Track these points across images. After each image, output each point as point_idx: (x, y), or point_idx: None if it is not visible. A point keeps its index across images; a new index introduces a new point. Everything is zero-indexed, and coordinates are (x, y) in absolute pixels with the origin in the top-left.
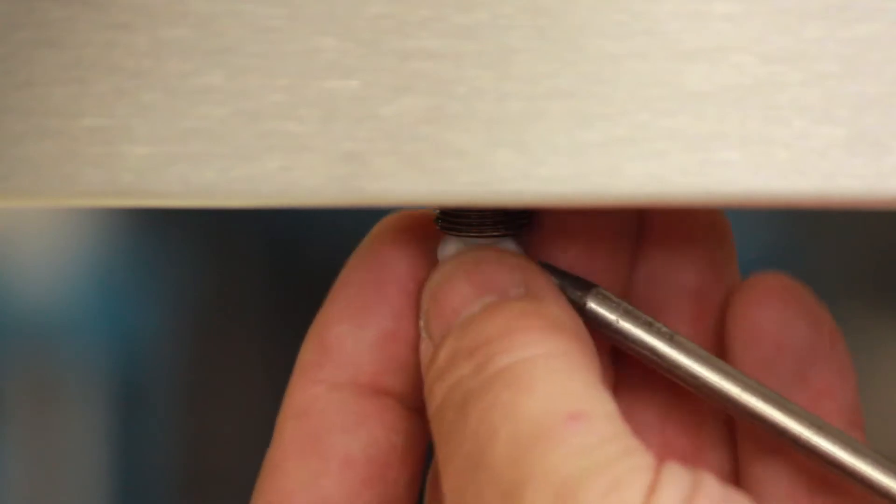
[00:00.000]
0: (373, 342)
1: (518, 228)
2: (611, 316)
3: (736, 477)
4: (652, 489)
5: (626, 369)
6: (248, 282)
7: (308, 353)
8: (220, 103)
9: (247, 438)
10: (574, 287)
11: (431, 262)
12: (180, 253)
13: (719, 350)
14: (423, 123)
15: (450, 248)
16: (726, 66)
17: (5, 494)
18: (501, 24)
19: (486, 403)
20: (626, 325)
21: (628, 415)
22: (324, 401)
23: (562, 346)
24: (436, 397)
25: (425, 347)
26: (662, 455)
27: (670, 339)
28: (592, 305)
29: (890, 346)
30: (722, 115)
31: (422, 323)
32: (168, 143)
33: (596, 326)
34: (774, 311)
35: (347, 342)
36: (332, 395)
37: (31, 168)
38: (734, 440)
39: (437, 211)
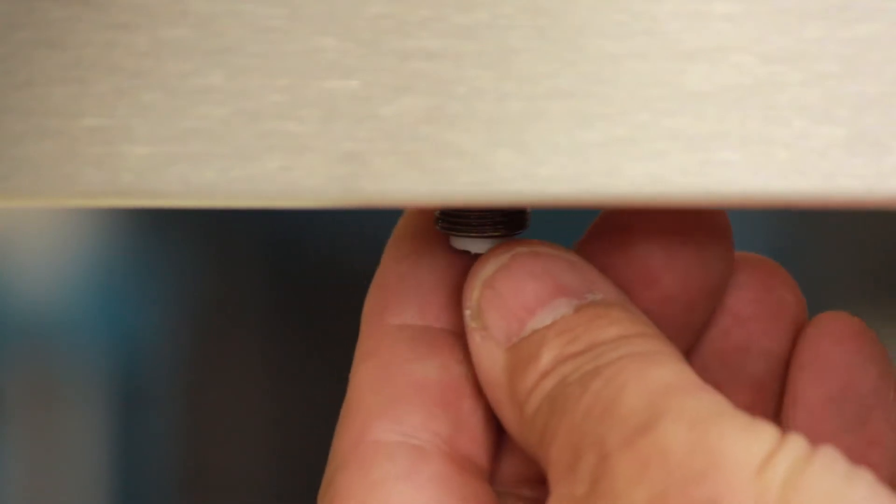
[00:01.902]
0: (433, 282)
1: (518, 229)
2: None
3: None
4: (782, 437)
5: None
6: (249, 282)
7: (371, 300)
8: (220, 103)
9: (247, 438)
10: None
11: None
12: (180, 253)
13: (782, 380)
14: (423, 123)
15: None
16: (726, 66)
17: (5, 494)
18: (501, 24)
19: (611, 372)
20: None
21: None
22: (392, 338)
23: (667, 348)
24: (538, 394)
25: (480, 341)
26: None
27: None
28: None
29: (890, 346)
30: (722, 115)
31: (469, 313)
32: (168, 143)
33: None
34: (848, 352)
35: (408, 282)
36: (400, 333)
37: (31, 168)
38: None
39: (438, 211)
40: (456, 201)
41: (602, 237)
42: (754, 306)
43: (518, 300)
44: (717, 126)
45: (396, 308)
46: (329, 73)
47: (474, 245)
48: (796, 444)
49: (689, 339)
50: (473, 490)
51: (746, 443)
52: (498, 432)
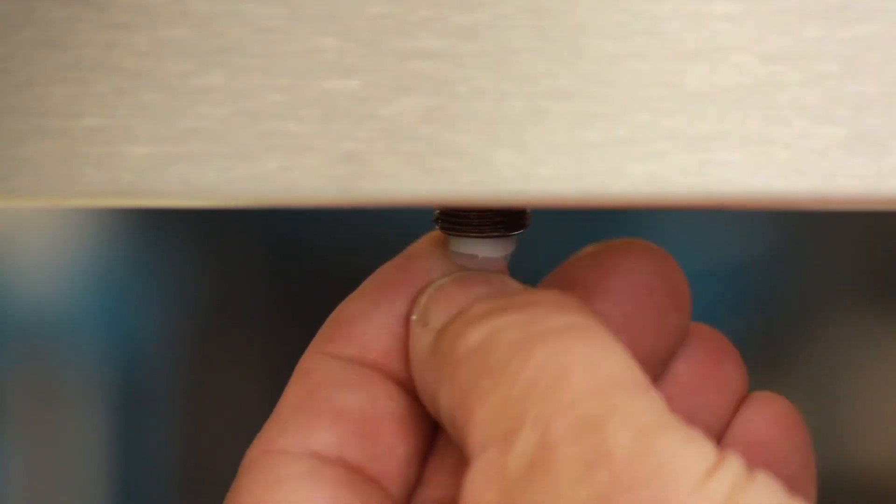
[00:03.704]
0: (383, 323)
1: (518, 229)
2: None
3: None
4: (721, 454)
5: None
6: (249, 282)
7: (322, 329)
8: (220, 103)
9: (247, 438)
10: None
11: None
12: (180, 253)
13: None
14: (423, 123)
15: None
16: (726, 66)
17: (5, 494)
18: (501, 25)
19: (557, 347)
20: None
21: None
22: (326, 365)
23: (609, 333)
24: (467, 340)
25: (420, 332)
26: None
27: None
28: None
29: (890, 346)
30: (722, 115)
31: (415, 317)
32: (168, 143)
33: None
34: (776, 436)
35: (358, 320)
36: (336, 362)
37: (31, 168)
38: None
39: (437, 211)
40: (456, 201)
41: (579, 275)
42: (701, 379)
43: (463, 295)
44: (717, 126)
45: (342, 340)
46: (329, 73)
47: (474, 246)
48: (736, 462)
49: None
50: (375, 495)
51: (690, 454)
52: (416, 475)
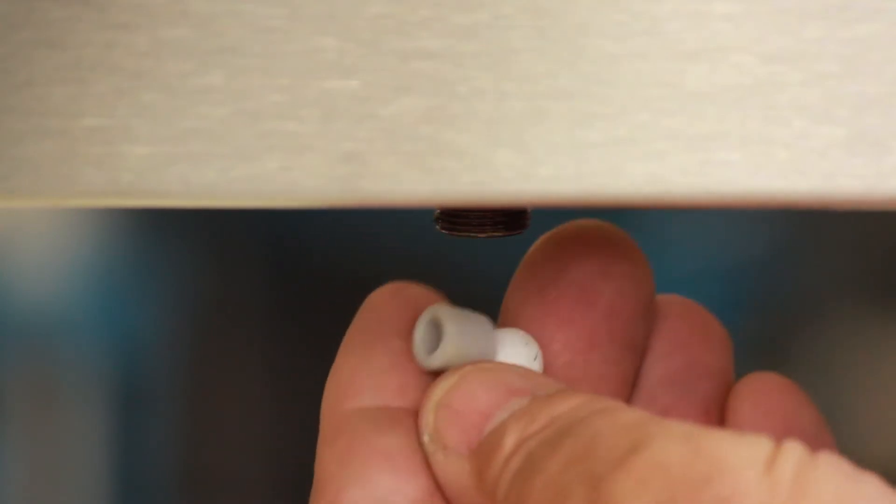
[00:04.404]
0: (386, 365)
1: (518, 229)
2: None
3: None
4: (779, 443)
5: None
6: (249, 282)
7: (328, 393)
8: (220, 103)
9: (247, 438)
10: None
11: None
12: (180, 253)
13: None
14: (423, 123)
15: (423, 325)
16: (726, 66)
17: (5, 494)
18: (502, 25)
19: (581, 428)
20: None
21: None
22: (353, 420)
23: (625, 404)
24: (507, 475)
25: (444, 459)
26: None
27: None
28: None
29: (890, 345)
30: (722, 115)
31: (427, 438)
32: (168, 143)
33: None
34: (786, 399)
35: (361, 371)
36: (361, 414)
37: (31, 168)
38: None
39: (437, 211)
40: (456, 201)
41: (538, 268)
42: (691, 329)
43: (473, 410)
44: (717, 126)
45: (353, 395)
46: (329, 73)
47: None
48: (797, 447)
49: (636, 359)
50: None
51: (746, 448)
52: None
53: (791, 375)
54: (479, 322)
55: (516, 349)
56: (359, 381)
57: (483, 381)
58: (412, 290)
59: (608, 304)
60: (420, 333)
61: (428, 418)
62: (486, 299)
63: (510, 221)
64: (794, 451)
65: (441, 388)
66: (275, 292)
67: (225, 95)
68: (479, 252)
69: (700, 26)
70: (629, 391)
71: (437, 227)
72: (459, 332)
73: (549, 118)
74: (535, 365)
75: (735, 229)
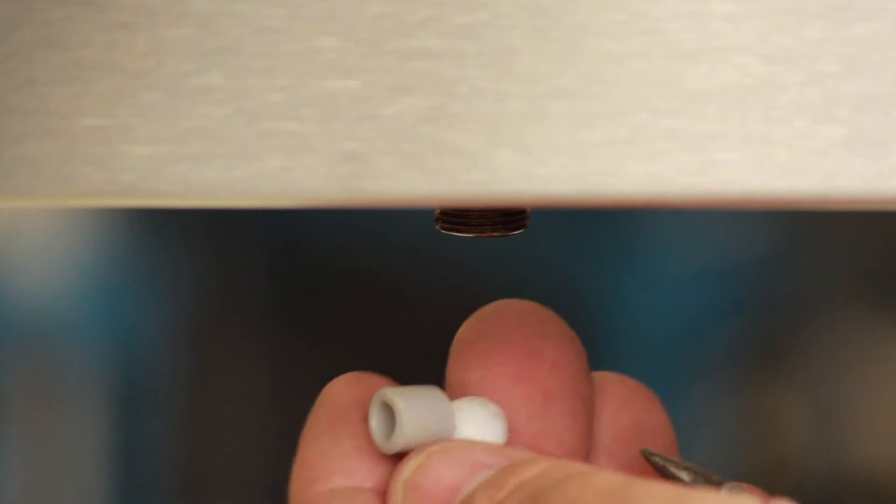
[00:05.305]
0: (354, 447)
1: (518, 229)
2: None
3: None
4: (766, 497)
5: None
6: (248, 282)
7: (296, 477)
8: (220, 103)
9: (247, 438)
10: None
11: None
12: (180, 253)
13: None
14: (423, 123)
15: (376, 413)
16: (726, 66)
17: (5, 494)
18: (502, 24)
19: (554, 494)
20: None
21: None
22: (326, 500)
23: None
24: None
25: None
26: None
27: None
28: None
29: (890, 346)
30: (722, 115)
31: None
32: (168, 143)
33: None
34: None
35: (329, 452)
36: (333, 496)
37: (31, 168)
38: None
39: (437, 211)
40: (456, 201)
41: (474, 341)
42: (631, 392)
43: (441, 487)
44: (717, 126)
45: (324, 477)
46: (329, 73)
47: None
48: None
49: (590, 414)
50: None
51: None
52: None
53: (791, 375)
54: (432, 396)
55: (475, 415)
56: (328, 463)
57: (449, 459)
58: (370, 378)
59: (553, 361)
60: (374, 418)
61: (397, 498)
62: (487, 299)
63: (510, 221)
64: None
65: (408, 468)
66: (275, 292)
67: (225, 95)
68: (479, 252)
69: (700, 26)
70: (589, 446)
71: (437, 227)
72: (412, 410)
73: (549, 118)
74: (499, 425)
75: (735, 229)
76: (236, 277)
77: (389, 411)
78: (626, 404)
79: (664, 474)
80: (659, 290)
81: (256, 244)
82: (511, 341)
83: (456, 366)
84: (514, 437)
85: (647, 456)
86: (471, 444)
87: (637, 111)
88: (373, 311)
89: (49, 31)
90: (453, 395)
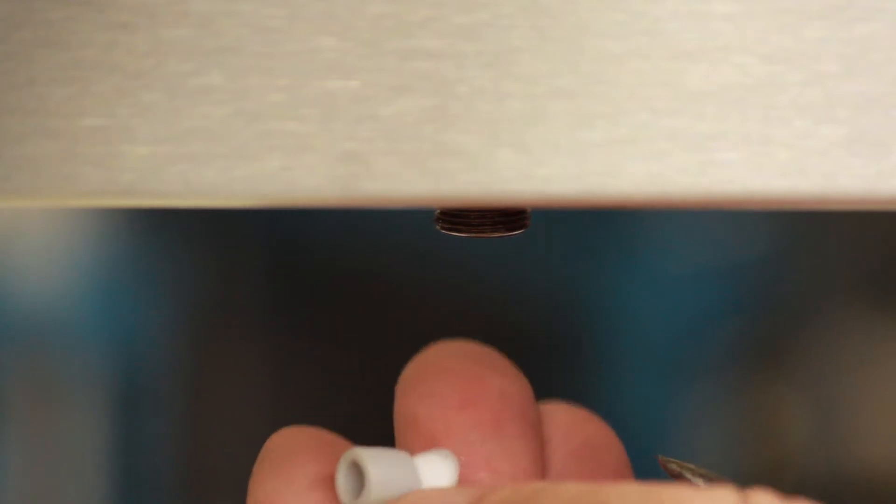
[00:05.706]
0: (302, 486)
1: (518, 229)
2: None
3: None
4: (742, 493)
5: None
6: (248, 282)
7: None
8: (220, 103)
9: (247, 438)
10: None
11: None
12: (180, 253)
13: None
14: (423, 123)
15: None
16: (726, 66)
17: (5, 494)
18: (502, 24)
19: (531, 501)
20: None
21: None
22: None
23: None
24: None
25: None
26: None
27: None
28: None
29: (890, 346)
30: (722, 115)
31: None
32: (168, 143)
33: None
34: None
35: (282, 492)
36: None
37: (31, 168)
38: None
39: (437, 211)
40: (456, 201)
41: (418, 380)
42: (579, 415)
43: None
44: (717, 126)
45: None
46: (329, 73)
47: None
48: (765, 496)
49: (540, 439)
50: None
51: (712, 499)
52: None
53: (791, 375)
54: (397, 455)
55: (434, 465)
56: (281, 500)
57: None
58: (309, 430)
59: (499, 389)
60: (342, 477)
61: None
62: (487, 299)
63: (510, 221)
64: (763, 499)
65: None
66: (275, 292)
67: (225, 95)
68: (479, 252)
69: (700, 26)
70: (542, 470)
71: (437, 227)
72: (380, 468)
73: (549, 118)
74: (457, 473)
75: (735, 229)
76: (236, 277)
77: (356, 471)
78: (574, 427)
79: (681, 481)
80: (659, 290)
81: (256, 244)
82: (457, 374)
83: (405, 404)
84: (469, 461)
85: (663, 463)
86: (442, 491)
87: (637, 111)
88: (373, 311)
89: (49, 31)
90: (405, 434)
